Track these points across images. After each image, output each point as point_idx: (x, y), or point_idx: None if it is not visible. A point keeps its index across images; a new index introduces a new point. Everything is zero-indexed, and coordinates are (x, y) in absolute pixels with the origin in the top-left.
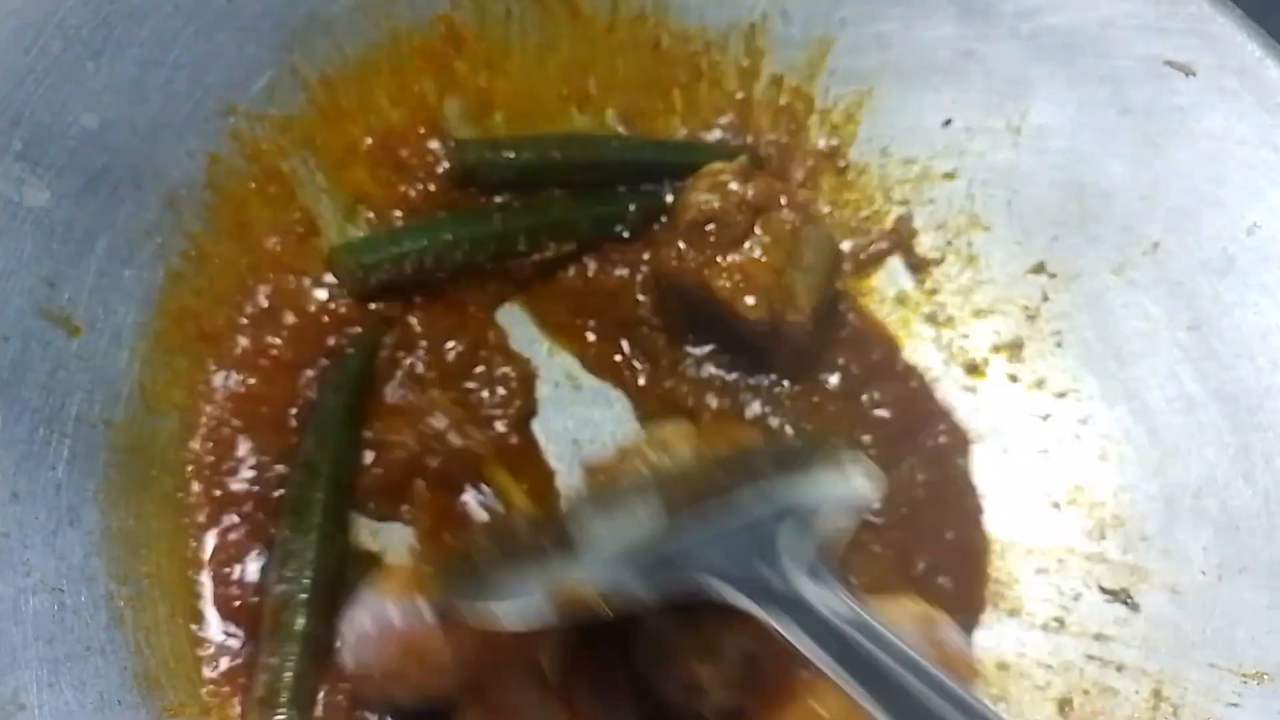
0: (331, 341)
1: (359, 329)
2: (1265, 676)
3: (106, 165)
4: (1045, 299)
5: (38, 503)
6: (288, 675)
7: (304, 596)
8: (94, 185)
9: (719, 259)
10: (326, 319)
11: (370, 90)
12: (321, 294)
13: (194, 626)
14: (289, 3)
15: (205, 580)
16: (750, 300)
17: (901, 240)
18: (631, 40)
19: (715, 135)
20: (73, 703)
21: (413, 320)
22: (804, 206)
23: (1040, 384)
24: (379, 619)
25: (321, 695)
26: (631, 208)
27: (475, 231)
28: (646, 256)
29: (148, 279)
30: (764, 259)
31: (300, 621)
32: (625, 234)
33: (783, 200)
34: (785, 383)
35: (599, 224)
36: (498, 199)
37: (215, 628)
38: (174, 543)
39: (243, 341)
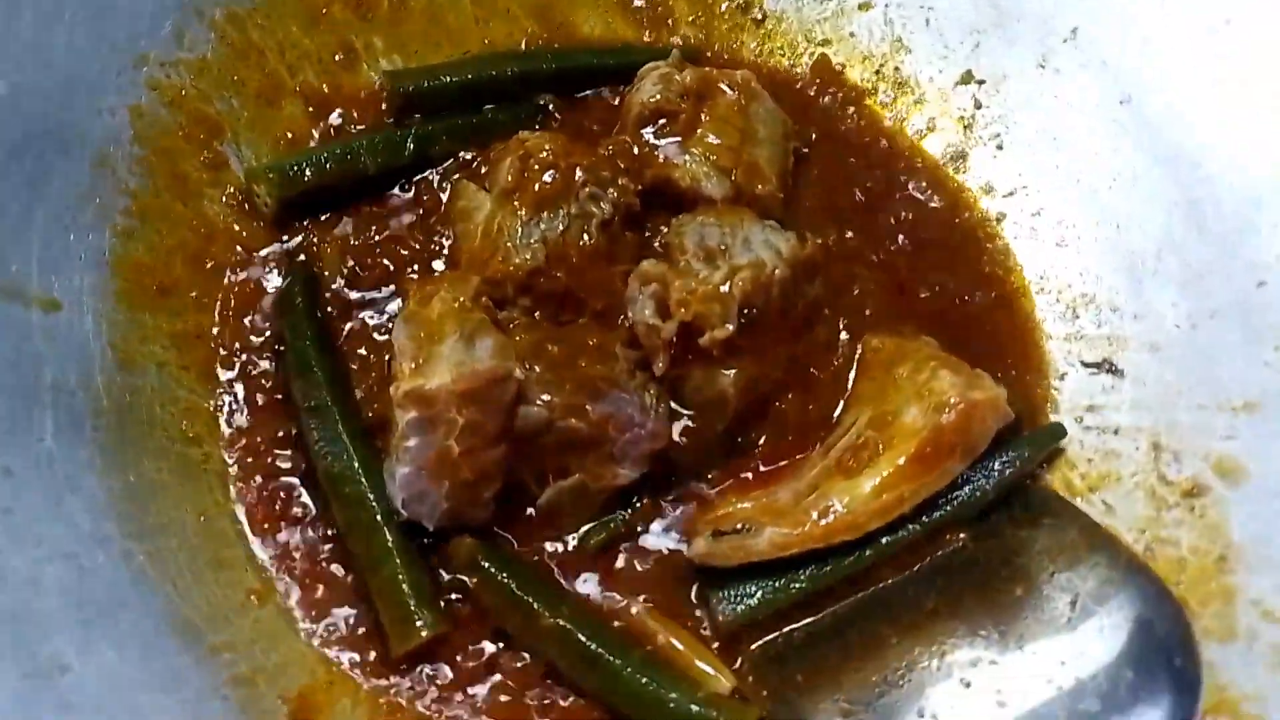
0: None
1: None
2: (1254, 406)
3: (25, 134)
4: (979, 106)
5: (33, 476)
6: (403, 584)
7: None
8: (17, 155)
9: (673, 150)
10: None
11: (281, 20)
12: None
13: (219, 572)
14: None
15: (233, 513)
16: (714, 181)
17: (828, 80)
18: None
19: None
20: (114, 658)
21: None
22: (745, 85)
23: (988, 188)
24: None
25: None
26: (551, 107)
27: (390, 138)
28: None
29: (95, 242)
30: (719, 141)
31: (372, 504)
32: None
33: (722, 84)
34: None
35: (516, 124)
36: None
37: (257, 552)
38: (182, 491)
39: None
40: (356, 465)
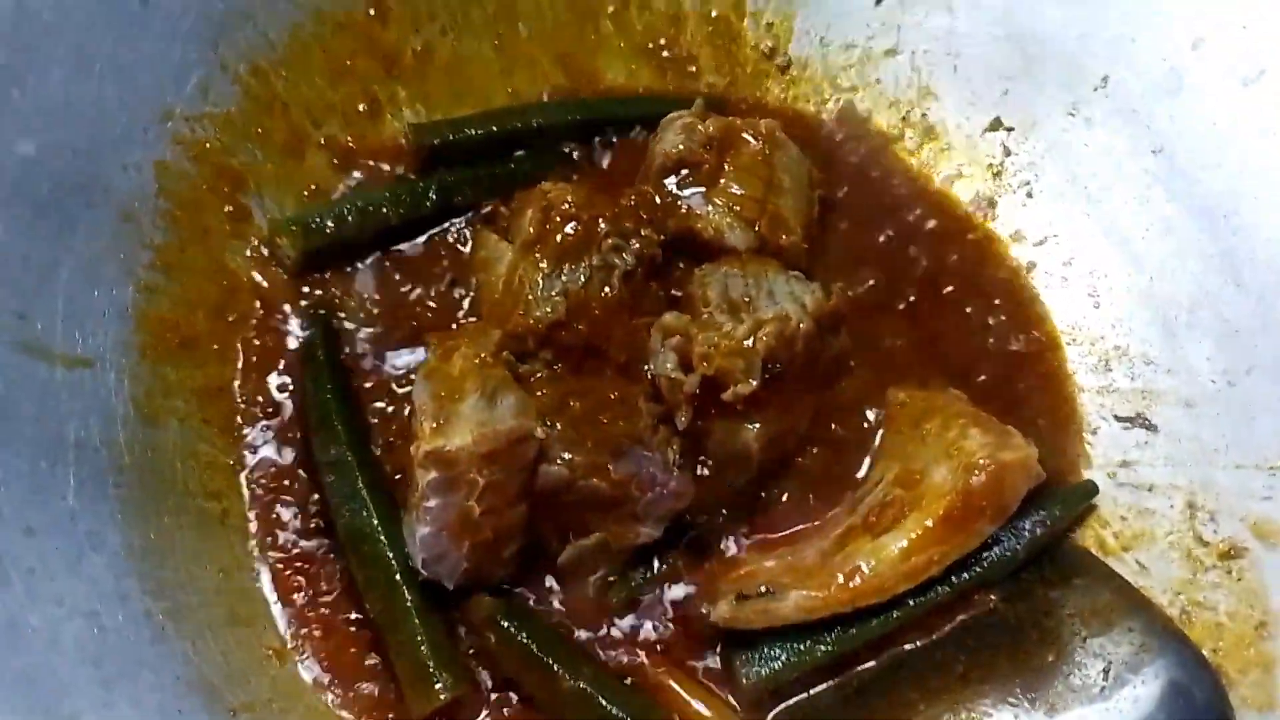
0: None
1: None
2: None
3: (52, 190)
4: (1008, 153)
5: (54, 533)
6: (421, 645)
7: (374, 522)
8: (44, 211)
9: (697, 201)
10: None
11: (305, 73)
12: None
13: (238, 629)
14: None
15: (253, 569)
16: (738, 232)
17: (855, 128)
18: None
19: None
20: (132, 717)
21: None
22: (769, 134)
23: (1018, 236)
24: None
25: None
26: (575, 155)
27: (413, 189)
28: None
29: (119, 296)
30: (743, 191)
31: (391, 562)
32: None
33: (745, 134)
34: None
35: (539, 174)
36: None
37: (276, 610)
38: (202, 546)
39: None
40: (375, 522)
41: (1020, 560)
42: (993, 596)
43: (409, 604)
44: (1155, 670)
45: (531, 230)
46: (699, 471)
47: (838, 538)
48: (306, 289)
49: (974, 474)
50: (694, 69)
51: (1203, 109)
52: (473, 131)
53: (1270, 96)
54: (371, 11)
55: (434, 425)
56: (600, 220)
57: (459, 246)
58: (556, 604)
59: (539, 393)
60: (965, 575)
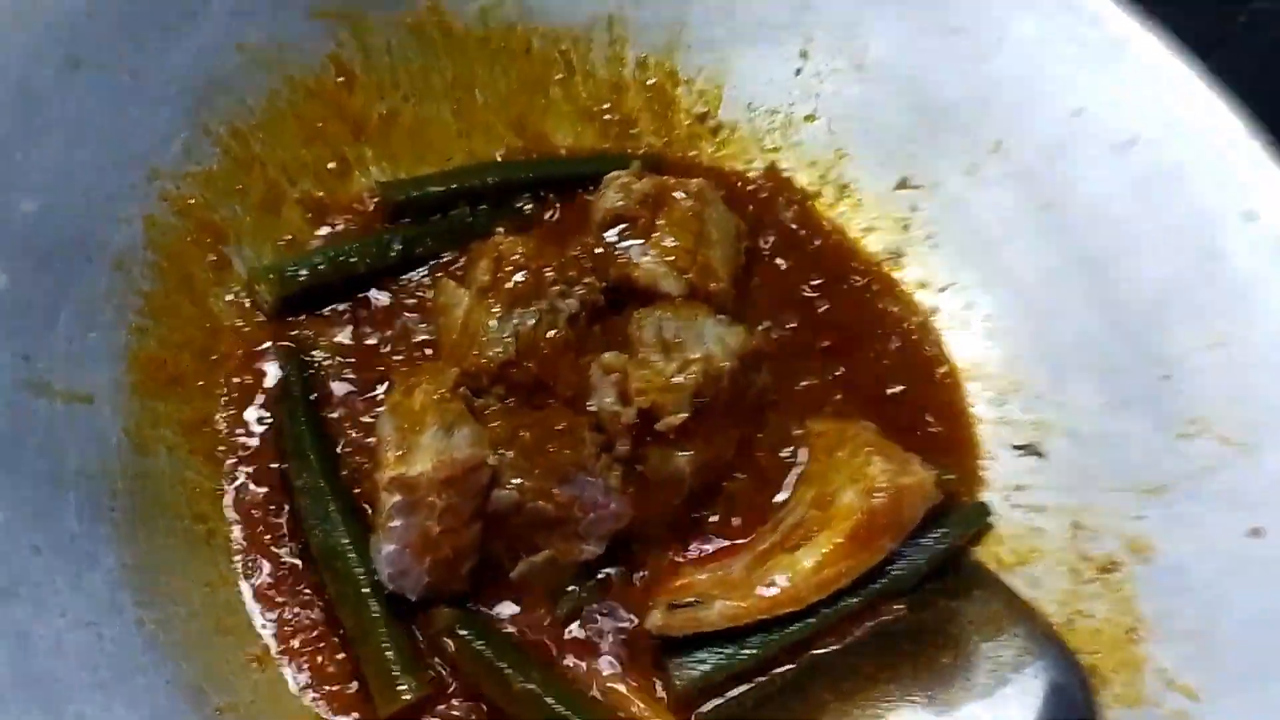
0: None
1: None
2: (1160, 489)
3: (54, 243)
4: (914, 209)
5: (58, 553)
6: (387, 651)
7: (345, 541)
8: (46, 263)
9: (634, 252)
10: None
11: (280, 135)
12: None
13: (223, 638)
14: (188, 67)
15: (236, 584)
16: (671, 280)
17: (778, 185)
18: (505, 48)
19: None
20: (127, 718)
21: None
22: (699, 192)
23: (924, 284)
24: (403, 535)
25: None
26: (527, 209)
27: (379, 241)
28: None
29: (113, 338)
30: (675, 243)
31: (359, 577)
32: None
33: (677, 191)
34: None
35: (495, 226)
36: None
37: (257, 620)
38: (190, 564)
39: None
40: (346, 541)
41: (923, 573)
42: (899, 606)
43: (376, 614)
44: (1035, 671)
45: (485, 278)
46: (638, 494)
47: (761, 554)
48: (283, 331)
49: (876, 496)
50: (634, 131)
51: (1083, 172)
52: (434, 188)
53: (1140, 161)
54: (340, 79)
55: (398, 454)
56: (548, 269)
57: (421, 293)
58: (510, 615)
59: (493, 425)
60: (874, 586)
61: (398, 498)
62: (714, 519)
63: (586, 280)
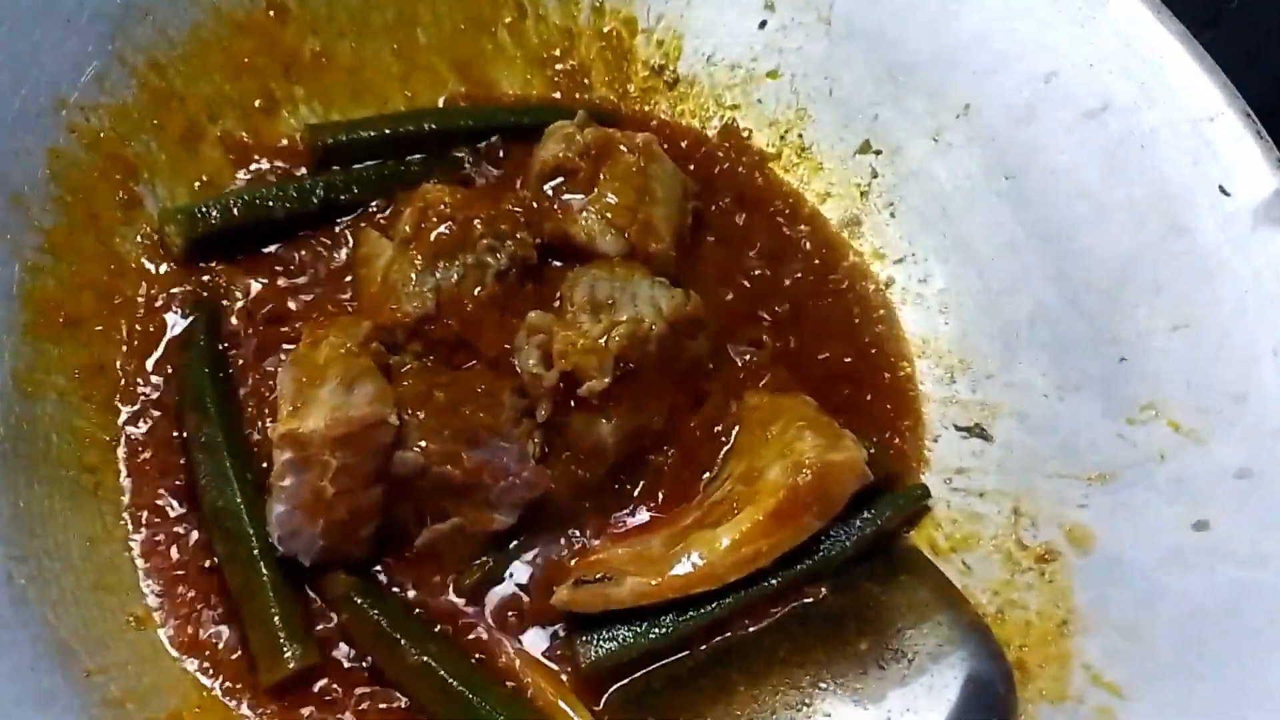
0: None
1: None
2: (1106, 477)
3: None
4: (875, 175)
5: None
6: (274, 617)
7: (238, 500)
8: None
9: (572, 207)
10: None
11: (203, 69)
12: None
13: (101, 596)
14: None
15: (123, 540)
16: (609, 238)
17: (735, 144)
18: None
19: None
20: None
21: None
22: (645, 147)
23: (879, 254)
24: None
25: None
26: (467, 160)
27: (301, 186)
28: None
29: (4, 275)
30: (616, 200)
31: (251, 538)
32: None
33: (622, 145)
34: None
35: (427, 176)
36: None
37: (141, 578)
38: (71, 517)
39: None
40: (239, 500)
41: (850, 555)
42: (823, 589)
43: (265, 579)
44: (953, 661)
45: (408, 229)
46: (558, 462)
47: (681, 529)
48: (193, 277)
49: (801, 473)
50: (586, 80)
51: (1051, 139)
52: (367, 134)
53: (1110, 129)
54: (271, 12)
55: (290, 408)
56: (477, 220)
57: (344, 243)
58: (412, 584)
59: (405, 383)
60: (797, 567)
61: (288, 454)
62: (640, 491)
63: (519, 235)
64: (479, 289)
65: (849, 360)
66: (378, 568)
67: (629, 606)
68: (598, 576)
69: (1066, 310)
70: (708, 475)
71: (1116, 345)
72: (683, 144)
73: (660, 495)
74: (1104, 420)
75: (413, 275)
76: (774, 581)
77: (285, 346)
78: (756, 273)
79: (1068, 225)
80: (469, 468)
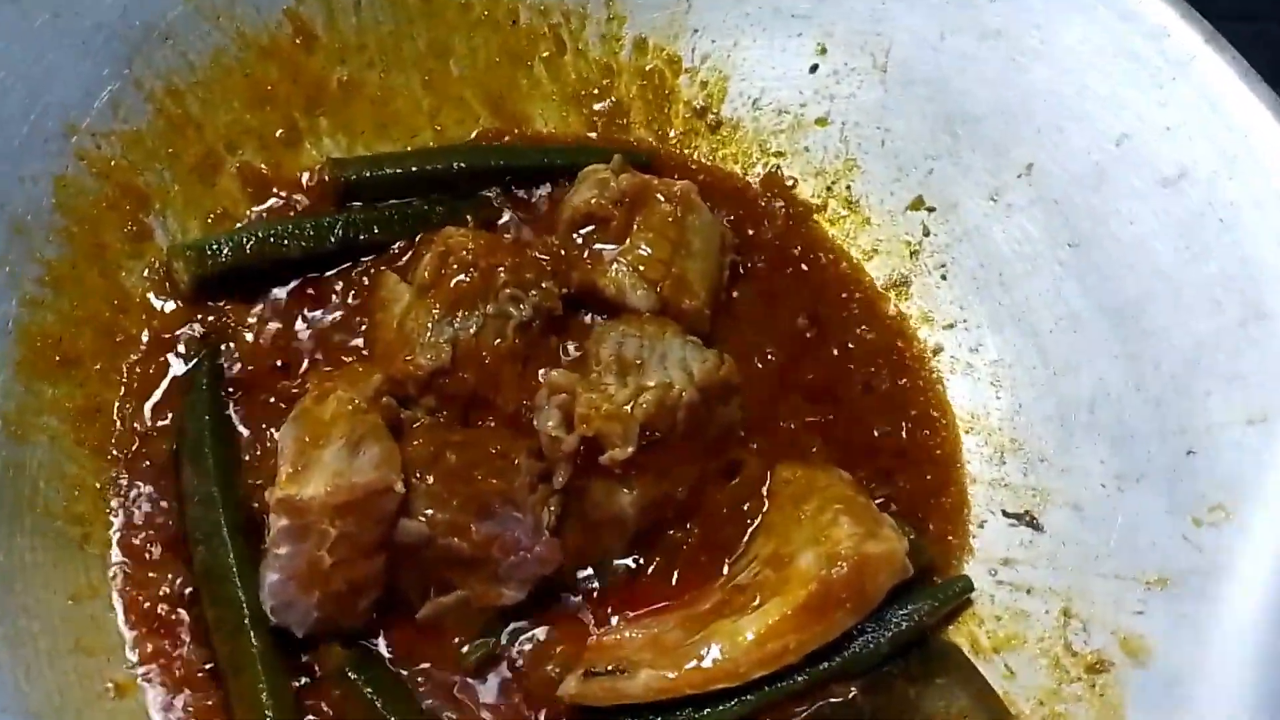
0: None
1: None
2: (1167, 581)
3: None
4: (926, 233)
5: None
6: (261, 692)
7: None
8: None
9: (602, 257)
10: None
11: (223, 97)
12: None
13: (80, 659)
14: (121, 13)
15: (107, 599)
16: (640, 292)
17: (778, 194)
18: (489, 18)
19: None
20: None
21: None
22: (683, 196)
23: (928, 318)
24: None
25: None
26: (496, 201)
27: (319, 224)
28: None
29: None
30: (649, 252)
31: (242, 605)
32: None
33: (659, 194)
34: None
35: (453, 216)
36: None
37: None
38: (54, 571)
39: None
40: (232, 562)
41: (884, 653)
42: (852, 689)
43: (254, 649)
44: None
45: (427, 274)
46: (574, 533)
47: (701, 614)
48: (200, 317)
49: (836, 565)
50: (625, 121)
51: (1121, 207)
52: (393, 170)
53: (1187, 200)
54: (298, 39)
55: (290, 471)
56: (501, 268)
57: (361, 286)
58: (413, 657)
59: (415, 442)
60: (825, 665)
61: (284, 522)
62: (661, 567)
63: (544, 285)
64: (499, 340)
65: (889, 431)
66: (376, 639)
67: (642, 702)
68: (609, 668)
69: (1131, 394)
70: (733, 554)
71: (1185, 436)
72: (723, 191)
73: (680, 572)
74: (1167, 518)
75: (429, 325)
76: (799, 679)
77: (293, 393)
78: (795, 332)
79: (1136, 301)
80: (477, 540)
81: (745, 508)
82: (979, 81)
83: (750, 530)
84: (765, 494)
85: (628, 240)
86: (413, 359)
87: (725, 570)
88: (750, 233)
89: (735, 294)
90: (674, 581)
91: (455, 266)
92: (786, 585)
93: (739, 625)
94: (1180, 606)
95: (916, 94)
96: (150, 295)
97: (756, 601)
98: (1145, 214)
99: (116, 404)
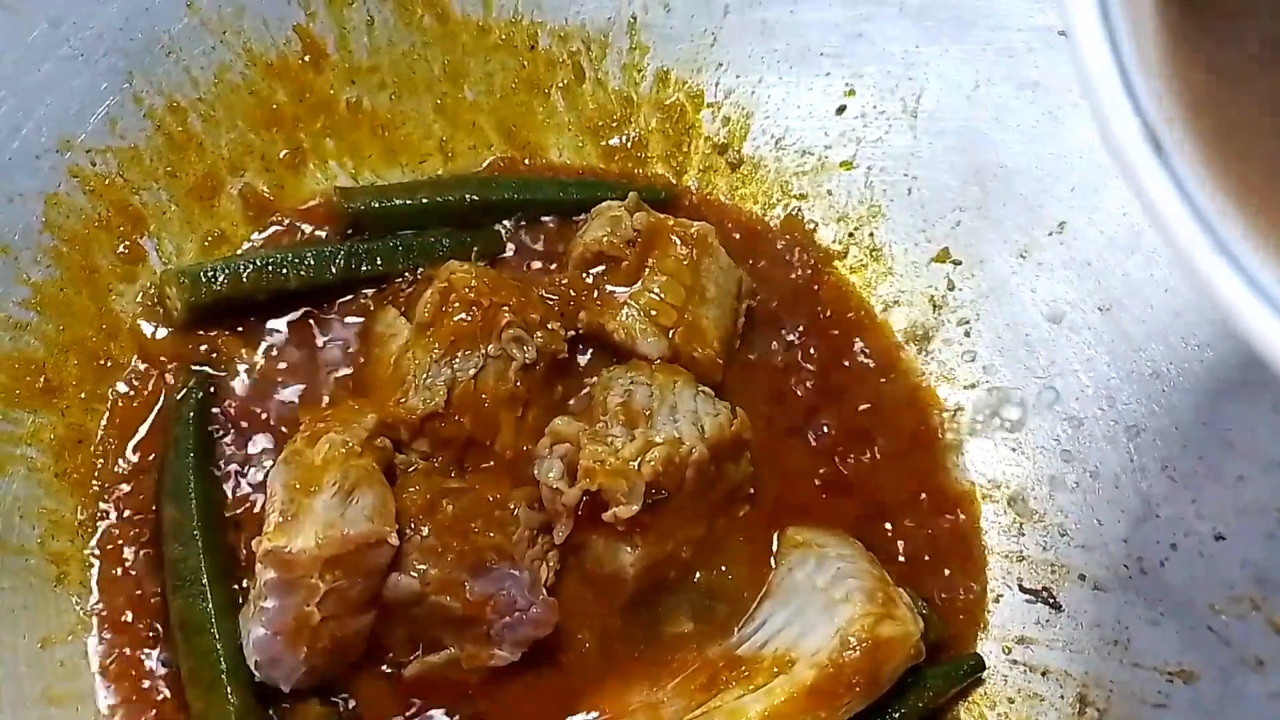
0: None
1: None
2: (1190, 674)
3: None
4: (951, 287)
5: None
6: None
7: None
8: None
9: (613, 299)
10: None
11: (227, 115)
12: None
13: (50, 708)
14: (122, 24)
15: (82, 645)
16: (650, 340)
17: (798, 238)
18: (507, 43)
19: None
20: None
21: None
22: (700, 238)
23: (948, 377)
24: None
25: None
26: (506, 235)
27: (320, 253)
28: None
29: None
30: (662, 296)
31: (218, 658)
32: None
33: (674, 235)
34: None
35: (460, 249)
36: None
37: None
38: (25, 614)
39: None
40: (210, 611)
41: None
42: None
43: (230, 706)
44: None
45: (427, 312)
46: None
47: (702, 684)
48: (190, 346)
49: (849, 648)
50: (642, 154)
51: (1157, 272)
52: (402, 201)
53: None
54: (306, 57)
55: (279, 520)
56: (505, 308)
57: (363, 320)
58: (395, 716)
59: (411, 488)
60: None
61: (272, 574)
62: (661, 628)
63: (551, 326)
64: (499, 383)
65: (904, 495)
66: (360, 694)
67: None
68: None
69: (1159, 471)
70: (736, 616)
71: (1215, 520)
72: (738, 233)
73: (683, 633)
74: (1193, 606)
75: (426, 365)
76: None
77: (284, 431)
78: (810, 385)
79: (1170, 374)
80: (471, 600)
81: (751, 569)
82: (1013, 133)
83: (759, 597)
84: (774, 557)
85: (640, 283)
86: (405, 402)
87: (731, 636)
88: (768, 277)
89: (750, 339)
90: (675, 644)
91: (457, 304)
92: (794, 664)
93: (743, 704)
94: (1202, 702)
95: (947, 143)
96: (141, 321)
97: (762, 680)
98: (1179, 281)
99: (100, 435)
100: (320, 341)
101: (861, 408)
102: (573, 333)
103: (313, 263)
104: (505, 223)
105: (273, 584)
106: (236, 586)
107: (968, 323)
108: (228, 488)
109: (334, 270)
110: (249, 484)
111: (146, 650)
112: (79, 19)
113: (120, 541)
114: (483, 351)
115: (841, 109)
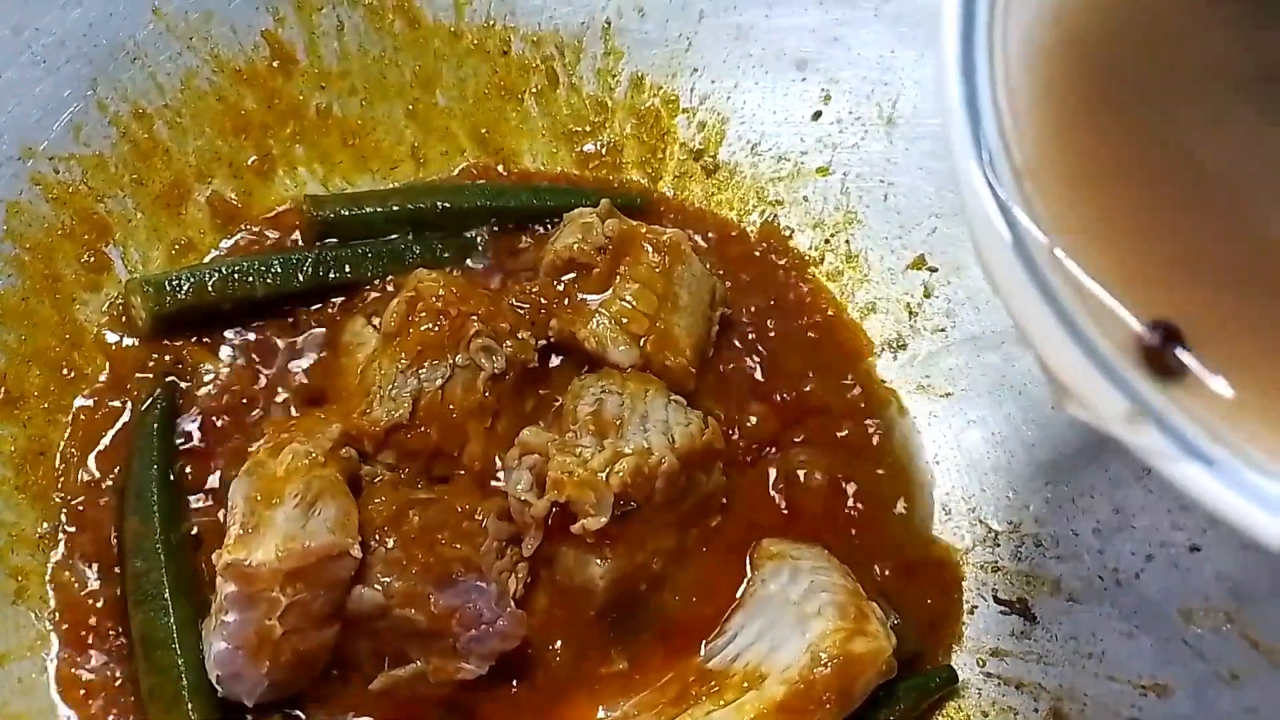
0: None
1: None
2: (1164, 688)
3: None
4: (927, 294)
5: None
6: None
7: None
8: None
9: (584, 307)
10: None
11: (194, 123)
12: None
13: None
14: (86, 30)
15: (40, 661)
16: (622, 348)
17: (773, 244)
18: (479, 47)
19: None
20: None
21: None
22: (672, 246)
23: (923, 386)
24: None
25: None
26: (480, 242)
27: (286, 261)
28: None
29: None
30: (634, 304)
31: (179, 675)
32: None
33: (646, 243)
34: None
35: (431, 256)
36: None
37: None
38: None
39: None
40: (172, 626)
41: None
42: None
43: None
44: None
45: (394, 321)
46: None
47: (673, 699)
48: (155, 356)
49: (820, 664)
50: (617, 160)
51: None
52: (372, 209)
53: None
54: (275, 63)
55: (240, 532)
56: (473, 317)
57: (331, 328)
58: None
59: (376, 500)
60: None
61: (233, 588)
62: (632, 640)
63: (520, 335)
64: (467, 394)
65: (880, 505)
66: (326, 708)
67: None
68: None
69: (1131, 481)
70: (706, 627)
71: (1189, 532)
72: (713, 236)
73: (656, 645)
74: (1168, 618)
75: (393, 376)
76: None
77: (249, 442)
78: (784, 393)
79: None
80: (436, 613)
81: (722, 581)
82: None
83: (730, 609)
84: (747, 567)
85: (611, 290)
86: (369, 413)
87: (701, 649)
88: (743, 284)
89: (723, 346)
90: (645, 656)
91: (424, 314)
92: (764, 679)
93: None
94: (1178, 716)
95: (923, 148)
96: (105, 331)
97: (732, 695)
98: None
99: (61, 447)
100: (287, 351)
101: (836, 415)
102: (543, 341)
103: (280, 271)
104: (479, 230)
105: (233, 597)
106: (201, 601)
107: (944, 330)
108: (192, 499)
109: (301, 278)
110: (214, 497)
111: (108, 666)
112: (41, 25)
113: (81, 555)
114: (450, 361)
115: (817, 114)
